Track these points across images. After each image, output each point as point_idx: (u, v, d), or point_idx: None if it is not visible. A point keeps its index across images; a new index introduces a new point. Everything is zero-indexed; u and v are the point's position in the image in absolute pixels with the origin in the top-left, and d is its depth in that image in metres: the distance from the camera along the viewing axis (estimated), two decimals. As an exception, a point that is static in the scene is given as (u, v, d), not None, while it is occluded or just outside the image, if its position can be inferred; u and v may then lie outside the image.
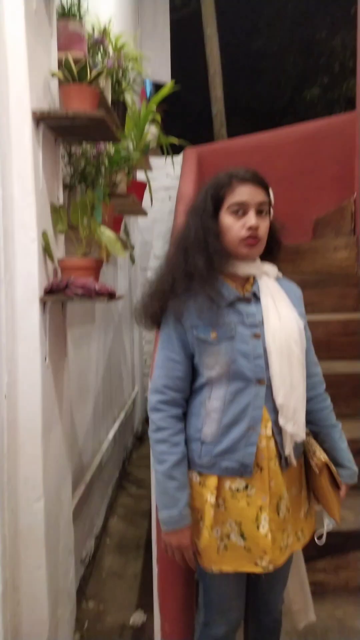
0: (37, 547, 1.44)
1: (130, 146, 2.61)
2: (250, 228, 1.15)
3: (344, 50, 6.49)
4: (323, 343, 2.78)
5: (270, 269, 1.25)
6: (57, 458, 1.59)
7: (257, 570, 1.18)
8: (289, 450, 1.19)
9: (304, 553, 1.70)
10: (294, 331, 1.19)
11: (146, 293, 1.24)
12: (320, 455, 1.25)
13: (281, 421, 1.16)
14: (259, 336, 1.17)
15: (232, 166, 1.22)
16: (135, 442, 3.75)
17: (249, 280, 1.22)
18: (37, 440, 1.43)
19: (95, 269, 1.50)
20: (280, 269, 1.29)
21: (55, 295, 1.44)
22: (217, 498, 1.18)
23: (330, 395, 1.35)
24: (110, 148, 1.91)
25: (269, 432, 1.17)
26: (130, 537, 2.60)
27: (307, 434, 1.32)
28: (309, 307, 3.44)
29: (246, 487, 1.18)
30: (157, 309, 1.21)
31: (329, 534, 1.50)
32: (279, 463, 1.19)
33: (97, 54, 2.02)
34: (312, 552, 1.80)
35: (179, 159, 4.05)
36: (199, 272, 1.15)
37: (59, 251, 1.58)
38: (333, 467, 1.25)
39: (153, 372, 1.25)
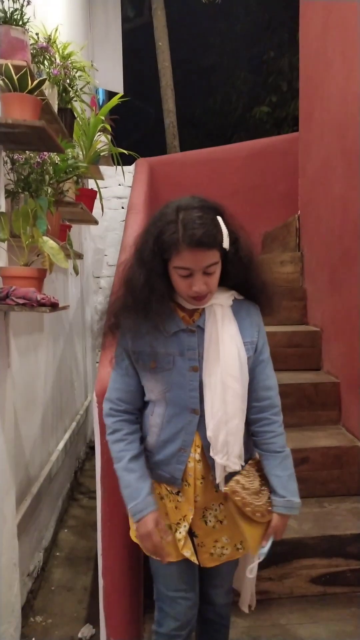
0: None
1: (80, 154, 2.61)
2: (196, 291, 1.12)
3: (291, 70, 6.72)
4: (270, 355, 2.87)
5: (224, 299, 1.21)
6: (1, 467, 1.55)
7: (181, 556, 1.24)
8: (219, 479, 1.21)
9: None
10: (234, 367, 1.18)
11: (107, 311, 1.24)
12: (232, 483, 1.22)
13: (211, 452, 1.19)
14: (196, 369, 1.19)
15: (181, 200, 1.12)
16: (88, 451, 3.70)
17: (198, 311, 1.21)
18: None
19: (38, 279, 1.49)
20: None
21: (-4, 304, 1.42)
22: (158, 494, 1.25)
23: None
24: (56, 156, 1.91)
25: (197, 456, 1.22)
26: (80, 549, 2.56)
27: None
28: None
29: (178, 492, 1.24)
30: (114, 324, 1.21)
31: (274, 543, 1.43)
32: (205, 483, 1.23)
33: (43, 61, 2.02)
34: (260, 562, 1.85)
35: (132, 168, 4.08)
36: (148, 305, 1.13)
37: (0, 260, 1.56)
38: (236, 499, 1.20)
39: (109, 383, 1.27)
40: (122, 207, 4.25)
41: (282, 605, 1.83)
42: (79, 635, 1.95)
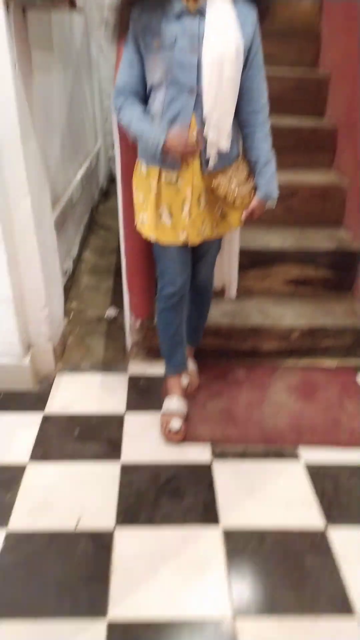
0: (29, 235, 1.83)
1: None
2: None
3: None
4: (276, 98, 2.91)
5: None
6: (36, 164, 1.85)
7: (179, 241, 1.60)
8: (210, 154, 1.47)
9: (240, 263, 2.20)
10: (231, 51, 1.32)
11: (113, 5, 1.37)
12: (219, 176, 1.51)
13: (205, 129, 1.42)
14: (195, 50, 1.34)
15: None
16: (101, 197, 4.05)
17: (199, 1, 1.32)
18: (17, 145, 1.68)
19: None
20: None
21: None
22: (157, 187, 1.53)
23: (276, 147, 1.56)
24: None
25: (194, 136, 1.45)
26: (102, 265, 3.11)
27: (242, 163, 1.59)
28: (269, 58, 3.42)
29: (176, 180, 1.52)
30: (122, 18, 1.37)
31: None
32: (200, 165, 1.50)
33: None
34: (246, 264, 2.34)
35: None
36: None
37: None
38: (219, 190, 1.51)
39: (117, 75, 1.48)
40: None
41: (261, 297, 2.40)
42: (106, 315, 2.59)
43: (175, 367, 1.89)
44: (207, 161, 1.49)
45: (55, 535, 1.44)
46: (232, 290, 2.21)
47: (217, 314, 2.24)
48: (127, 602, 1.26)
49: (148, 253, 1.93)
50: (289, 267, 2.40)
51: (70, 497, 1.56)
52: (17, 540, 1.42)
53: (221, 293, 2.31)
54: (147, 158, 1.54)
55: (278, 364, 2.23)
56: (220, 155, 1.50)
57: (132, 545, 1.41)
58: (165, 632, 1.20)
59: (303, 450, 1.75)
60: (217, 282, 2.18)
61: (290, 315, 2.27)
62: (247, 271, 2.37)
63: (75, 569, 1.34)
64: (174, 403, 1.86)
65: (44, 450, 1.74)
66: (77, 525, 1.47)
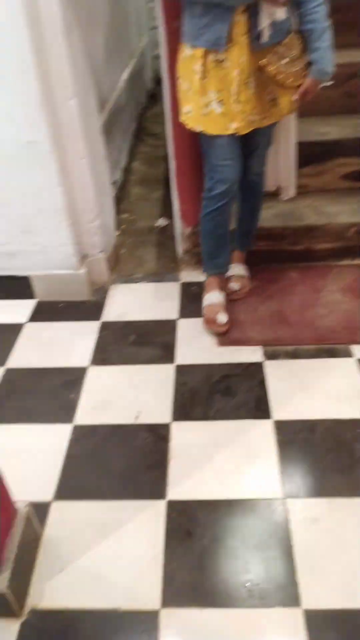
0: (76, 140, 1.80)
1: None
2: None
3: None
4: None
5: None
6: (80, 61, 1.77)
7: (229, 131, 1.52)
8: (264, 24, 1.36)
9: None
10: None
11: None
12: (270, 55, 1.41)
13: None
14: None
15: None
16: (149, 101, 3.86)
17: None
18: (61, 39, 1.60)
19: None
20: None
21: None
22: (202, 71, 1.45)
23: (335, 24, 1.41)
24: None
25: (243, 7, 1.34)
26: (151, 175, 3.04)
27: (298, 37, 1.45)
28: None
29: (223, 59, 1.43)
30: None
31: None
32: (249, 39, 1.39)
33: None
34: (299, 161, 2.18)
35: None
36: None
37: None
38: (270, 69, 1.42)
39: None
40: None
41: (316, 195, 2.26)
42: (156, 224, 2.57)
43: (218, 267, 1.90)
44: (258, 36, 1.38)
45: (117, 428, 1.55)
46: (290, 189, 2.08)
47: (269, 216, 2.15)
48: (184, 486, 1.36)
49: (197, 157, 1.85)
50: (346, 159, 2.22)
51: (129, 396, 1.65)
52: (82, 432, 1.55)
53: (274, 194, 2.20)
54: (189, 36, 1.45)
55: (333, 264, 2.14)
56: (273, 28, 1.38)
57: (187, 437, 1.50)
58: (220, 508, 1.30)
59: (357, 348, 1.72)
60: (270, 182, 2.07)
61: (347, 212, 2.13)
62: (300, 169, 2.22)
63: (136, 458, 1.45)
64: (214, 296, 1.90)
65: (103, 354, 1.83)
66: (136, 418, 1.57)
